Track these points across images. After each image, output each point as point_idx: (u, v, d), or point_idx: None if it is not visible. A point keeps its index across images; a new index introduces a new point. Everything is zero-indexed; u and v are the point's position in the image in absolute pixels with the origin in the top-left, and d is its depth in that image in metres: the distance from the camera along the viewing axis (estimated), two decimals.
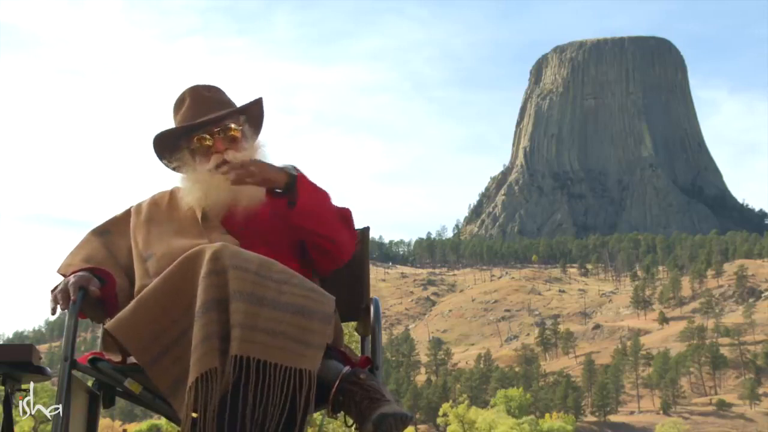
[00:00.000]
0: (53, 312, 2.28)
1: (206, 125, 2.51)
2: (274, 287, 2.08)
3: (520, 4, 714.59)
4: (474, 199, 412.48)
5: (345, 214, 2.53)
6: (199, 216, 2.48)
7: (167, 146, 2.57)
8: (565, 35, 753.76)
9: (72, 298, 2.25)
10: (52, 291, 2.33)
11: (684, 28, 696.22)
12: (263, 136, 2.65)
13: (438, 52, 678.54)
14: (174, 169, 2.59)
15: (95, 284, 2.31)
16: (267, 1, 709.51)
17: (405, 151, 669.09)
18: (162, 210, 2.55)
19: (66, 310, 2.26)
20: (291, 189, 2.40)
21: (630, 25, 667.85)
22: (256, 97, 2.61)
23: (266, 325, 2.03)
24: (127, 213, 2.61)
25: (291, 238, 2.49)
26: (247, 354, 1.98)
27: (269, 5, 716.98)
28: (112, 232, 2.56)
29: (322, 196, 2.47)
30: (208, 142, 2.50)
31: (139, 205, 2.60)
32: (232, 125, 2.52)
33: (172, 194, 2.59)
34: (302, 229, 2.44)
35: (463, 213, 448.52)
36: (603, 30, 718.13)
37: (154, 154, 2.60)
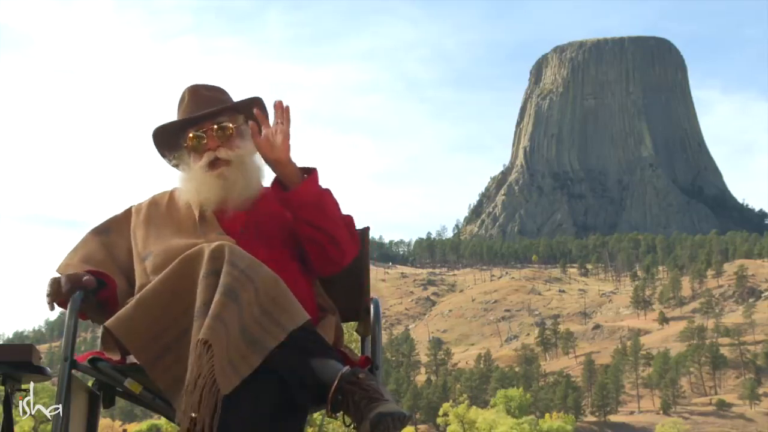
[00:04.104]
0: (51, 308, 2.30)
1: (200, 121, 2.52)
2: (247, 297, 2.07)
3: (513, 4, 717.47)
4: (474, 199, 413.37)
5: (347, 219, 2.53)
6: (196, 215, 2.50)
7: (167, 143, 2.58)
8: (565, 35, 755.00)
9: (64, 288, 2.27)
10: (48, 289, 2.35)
11: (678, 28, 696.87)
12: None
13: (430, 52, 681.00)
14: (174, 166, 2.60)
15: (90, 281, 2.31)
16: (259, 1, 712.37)
17: (398, 151, 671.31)
18: (161, 210, 2.56)
19: (64, 309, 2.27)
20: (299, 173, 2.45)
21: (624, 24, 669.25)
22: (254, 96, 2.60)
23: (227, 320, 2.03)
24: (128, 213, 2.61)
25: (292, 241, 2.50)
26: (210, 340, 1.98)
27: (261, 5, 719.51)
28: (112, 231, 2.57)
29: (329, 194, 2.46)
30: (203, 141, 2.51)
31: (139, 206, 2.61)
32: (228, 124, 2.52)
33: (172, 194, 2.61)
34: (301, 220, 2.43)
35: (463, 213, 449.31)
36: (603, 30, 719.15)
37: (155, 150, 2.62)
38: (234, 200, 2.48)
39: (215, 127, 2.51)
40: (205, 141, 2.51)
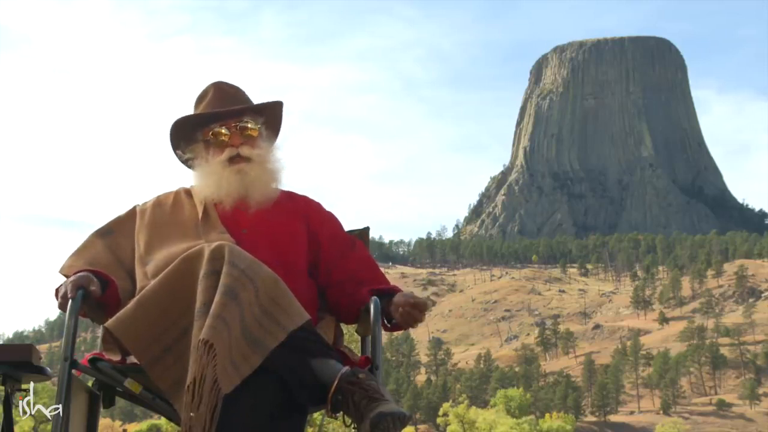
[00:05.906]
0: (63, 309, 2.25)
1: (226, 116, 2.54)
2: (247, 297, 2.07)
3: (512, 4, 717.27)
4: (474, 199, 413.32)
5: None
6: (200, 213, 2.50)
7: (183, 136, 2.59)
8: (564, 35, 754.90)
9: (70, 294, 2.22)
10: (56, 291, 2.30)
11: (673, 27, 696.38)
12: (280, 139, 2.70)
13: (427, 52, 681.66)
14: (186, 161, 2.61)
15: (96, 285, 2.27)
16: (255, 1, 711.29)
17: (396, 151, 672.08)
18: (166, 212, 2.55)
19: (65, 311, 2.25)
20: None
21: (624, 24, 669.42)
22: (277, 99, 2.65)
23: (229, 320, 2.03)
24: (132, 213, 2.59)
25: (298, 246, 2.51)
26: (212, 340, 1.97)
27: (257, 5, 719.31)
28: (115, 232, 2.54)
29: None
30: (223, 138, 2.53)
31: (144, 206, 2.59)
32: (250, 125, 2.54)
33: (177, 195, 2.60)
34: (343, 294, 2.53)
35: (463, 213, 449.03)
36: (603, 30, 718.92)
37: (169, 142, 2.61)
38: (253, 198, 2.49)
39: (239, 125, 2.53)
40: (227, 137, 2.53)
